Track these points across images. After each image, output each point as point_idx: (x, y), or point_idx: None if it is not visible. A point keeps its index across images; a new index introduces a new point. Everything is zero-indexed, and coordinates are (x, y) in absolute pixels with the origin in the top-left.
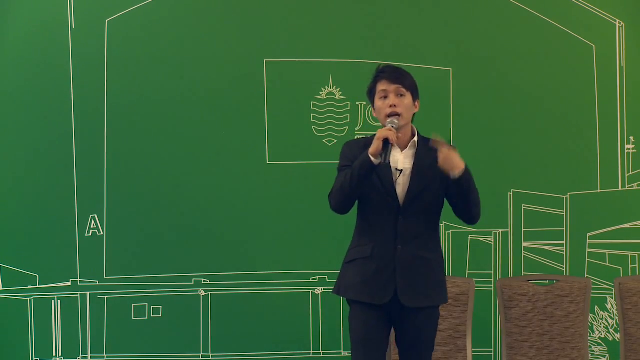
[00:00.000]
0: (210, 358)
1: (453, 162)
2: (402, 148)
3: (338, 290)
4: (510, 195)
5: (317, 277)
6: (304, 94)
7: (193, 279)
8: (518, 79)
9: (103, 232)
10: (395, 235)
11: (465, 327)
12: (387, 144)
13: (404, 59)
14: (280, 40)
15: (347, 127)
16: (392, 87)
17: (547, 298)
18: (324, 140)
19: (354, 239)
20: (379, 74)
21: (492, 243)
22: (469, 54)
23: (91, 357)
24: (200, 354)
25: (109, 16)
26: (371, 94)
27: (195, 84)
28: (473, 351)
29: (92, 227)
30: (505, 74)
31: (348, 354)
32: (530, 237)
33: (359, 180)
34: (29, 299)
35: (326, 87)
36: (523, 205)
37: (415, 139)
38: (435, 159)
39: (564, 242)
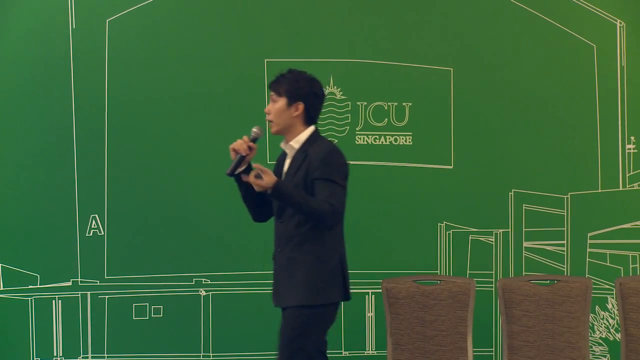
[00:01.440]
0: (211, 358)
1: (260, 184)
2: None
3: None
4: (511, 195)
5: None
6: None
7: (194, 279)
8: (519, 78)
9: (104, 232)
10: (276, 239)
11: (466, 327)
12: (241, 156)
13: (405, 59)
14: (281, 40)
15: (348, 127)
16: (270, 94)
17: (547, 298)
18: None
19: None
20: None
21: (493, 243)
22: (469, 54)
23: (92, 357)
24: (201, 354)
25: (109, 16)
26: None
27: (196, 84)
28: (474, 351)
29: (92, 227)
30: (506, 74)
31: (349, 354)
32: (531, 237)
33: (240, 190)
34: (29, 298)
35: (327, 87)
36: (524, 205)
37: (296, 144)
38: (305, 161)
39: (565, 242)
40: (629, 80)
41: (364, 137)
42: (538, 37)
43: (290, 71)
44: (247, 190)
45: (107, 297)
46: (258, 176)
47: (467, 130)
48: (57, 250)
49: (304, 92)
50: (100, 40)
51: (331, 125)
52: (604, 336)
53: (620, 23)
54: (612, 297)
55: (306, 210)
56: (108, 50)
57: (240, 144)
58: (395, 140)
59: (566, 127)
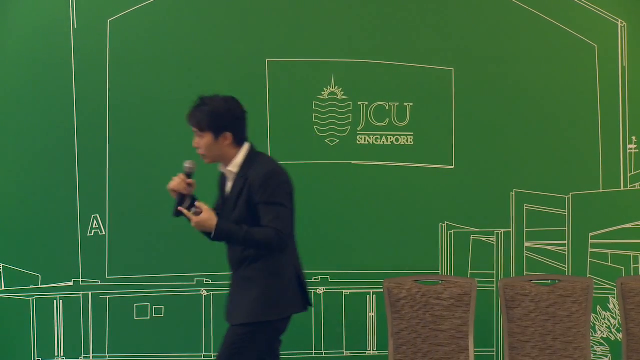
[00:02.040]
0: (212, 358)
1: (202, 226)
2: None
3: None
4: (513, 195)
5: (319, 277)
6: (306, 94)
7: (195, 279)
8: (520, 78)
9: (105, 232)
10: (229, 261)
11: (467, 327)
12: (181, 194)
13: (406, 59)
14: (282, 40)
15: (349, 127)
16: (192, 128)
17: (549, 298)
18: (326, 140)
19: None
20: None
21: (494, 243)
22: (471, 54)
23: (93, 357)
24: (202, 354)
25: (111, 16)
26: None
27: (197, 84)
28: (475, 351)
29: (94, 227)
30: (507, 74)
31: (350, 354)
32: (532, 237)
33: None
34: (31, 299)
35: (328, 87)
36: (525, 205)
37: (234, 168)
38: (245, 185)
39: (566, 242)
40: (630, 80)
41: (365, 137)
42: (539, 37)
43: (204, 102)
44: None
45: (108, 297)
46: (197, 213)
47: (468, 131)
48: (59, 250)
49: (226, 121)
50: (101, 40)
51: (332, 125)
52: (605, 336)
53: (622, 23)
54: (614, 297)
55: (252, 244)
56: (109, 50)
57: (178, 183)
58: (397, 140)
59: (567, 127)
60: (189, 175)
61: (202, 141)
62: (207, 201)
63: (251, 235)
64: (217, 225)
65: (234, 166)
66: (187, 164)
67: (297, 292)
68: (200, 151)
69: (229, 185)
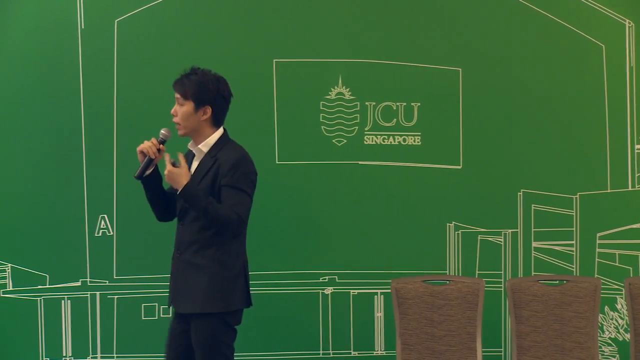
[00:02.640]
0: None
1: (173, 179)
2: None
3: None
4: (520, 195)
5: (327, 277)
6: (313, 94)
7: None
8: (527, 78)
9: (113, 232)
10: (176, 241)
11: (475, 327)
12: (149, 158)
13: (414, 59)
14: (289, 40)
15: (357, 128)
16: (175, 96)
17: (556, 298)
18: (333, 141)
19: None
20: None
21: (502, 243)
22: (478, 54)
23: (101, 357)
24: None
25: (118, 16)
26: None
27: None
28: (483, 351)
29: (101, 227)
30: (515, 74)
31: (358, 354)
32: (540, 237)
33: (146, 192)
34: (38, 299)
35: (335, 87)
36: (533, 205)
37: (204, 147)
38: (214, 166)
39: (574, 242)
40: (638, 81)
41: (372, 137)
42: (546, 37)
43: (195, 72)
44: (153, 192)
45: (116, 297)
46: (174, 164)
47: (475, 130)
48: (66, 251)
49: (211, 95)
50: (109, 40)
51: (340, 125)
52: (613, 336)
53: (629, 23)
54: (622, 297)
55: (212, 216)
56: (117, 50)
57: (149, 146)
58: (404, 140)
59: (575, 127)
60: (162, 142)
61: (181, 109)
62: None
63: (214, 208)
64: (188, 184)
65: (205, 145)
66: (163, 131)
67: (242, 286)
68: (177, 119)
69: (194, 165)
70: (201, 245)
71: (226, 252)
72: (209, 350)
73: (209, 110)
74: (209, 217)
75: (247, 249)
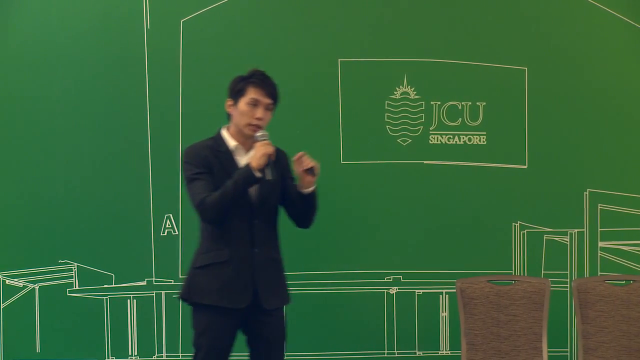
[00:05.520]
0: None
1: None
2: (247, 151)
3: (189, 296)
4: (586, 194)
5: (392, 276)
6: (378, 94)
7: None
8: (594, 77)
9: (178, 231)
10: (251, 239)
11: (541, 328)
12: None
13: (479, 58)
14: (354, 39)
15: (422, 127)
16: (266, 101)
17: (623, 298)
18: (398, 140)
19: (204, 244)
20: (256, 80)
21: (568, 243)
22: (544, 53)
23: (167, 356)
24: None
25: (184, 16)
26: (237, 91)
27: None
28: (549, 351)
29: (167, 226)
30: (581, 73)
31: (423, 354)
32: (606, 237)
33: (242, 193)
34: (105, 298)
35: (400, 86)
36: (599, 204)
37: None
38: (274, 162)
39: None
40: None
41: (437, 137)
42: (613, 36)
43: (271, 80)
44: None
45: None
46: (311, 171)
47: (541, 130)
48: (132, 250)
49: None
50: (174, 40)
51: (405, 124)
52: None
53: None
54: None
55: (315, 207)
56: (182, 50)
57: (272, 149)
58: (469, 140)
59: None
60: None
61: (268, 115)
62: None
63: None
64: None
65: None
66: (261, 132)
67: None
68: (263, 123)
69: (242, 162)
70: (273, 240)
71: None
72: (284, 342)
73: None
74: (314, 208)
75: (311, 248)
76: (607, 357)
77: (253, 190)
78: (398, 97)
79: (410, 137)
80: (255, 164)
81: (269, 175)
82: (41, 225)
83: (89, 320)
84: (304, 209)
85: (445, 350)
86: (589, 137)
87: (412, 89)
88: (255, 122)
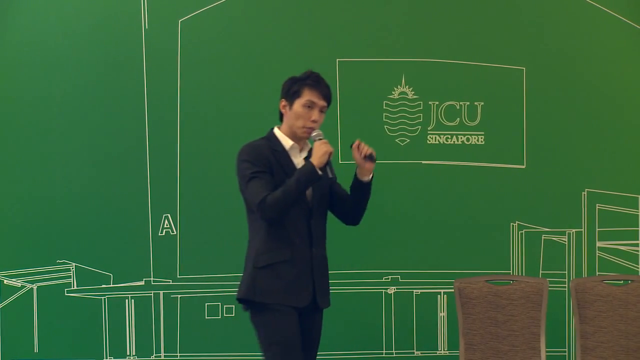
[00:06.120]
0: None
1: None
2: (300, 151)
3: (253, 296)
4: (584, 194)
5: (390, 276)
6: (376, 94)
7: None
8: (592, 77)
9: (176, 231)
10: (310, 238)
11: (539, 327)
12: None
13: (477, 58)
14: (352, 39)
15: (420, 127)
16: (321, 103)
17: (621, 298)
18: (396, 140)
19: (263, 244)
20: (312, 82)
21: (566, 243)
22: (542, 53)
23: (165, 356)
24: None
25: (182, 16)
26: (293, 93)
27: (268, 83)
28: (547, 351)
29: (165, 226)
30: (579, 73)
31: (421, 353)
32: (604, 237)
33: (303, 191)
34: (103, 298)
35: (398, 86)
36: (597, 204)
37: (307, 147)
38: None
39: (639, 242)
40: None
41: (435, 137)
42: (611, 36)
43: (327, 83)
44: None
45: (179, 296)
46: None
47: (539, 130)
48: (130, 250)
49: None
50: (172, 40)
51: (403, 124)
52: None
53: None
54: None
55: (368, 200)
56: (180, 50)
57: (329, 147)
58: (467, 139)
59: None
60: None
61: (322, 117)
62: None
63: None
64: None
65: (307, 145)
66: (317, 132)
67: None
68: (317, 126)
69: (299, 161)
70: (324, 238)
71: None
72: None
73: None
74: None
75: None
76: (605, 357)
77: (308, 190)
78: (396, 97)
79: (408, 137)
80: (317, 162)
81: (330, 174)
82: (39, 225)
83: (87, 320)
84: (360, 200)
85: (444, 350)
86: (587, 137)
87: (410, 89)
88: (310, 124)
